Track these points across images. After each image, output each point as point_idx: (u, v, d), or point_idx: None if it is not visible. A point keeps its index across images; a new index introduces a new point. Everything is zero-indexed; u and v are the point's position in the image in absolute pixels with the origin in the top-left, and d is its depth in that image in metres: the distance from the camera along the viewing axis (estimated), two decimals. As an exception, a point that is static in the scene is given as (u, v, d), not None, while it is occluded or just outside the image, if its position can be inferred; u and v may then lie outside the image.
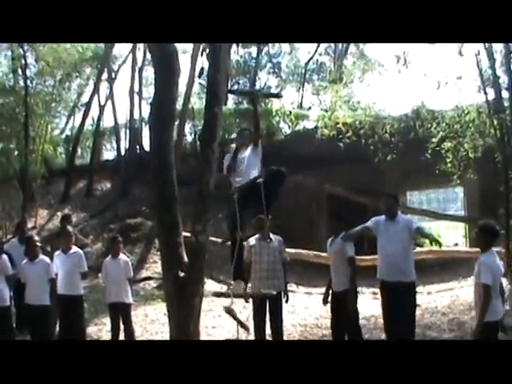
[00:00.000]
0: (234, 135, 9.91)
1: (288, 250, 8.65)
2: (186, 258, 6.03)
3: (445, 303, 10.90)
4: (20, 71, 20.01)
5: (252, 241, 7.64)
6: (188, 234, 6.13)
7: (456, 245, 17.81)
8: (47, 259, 8.22)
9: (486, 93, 12.48)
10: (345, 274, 7.38)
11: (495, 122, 12.03)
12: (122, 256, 8.74)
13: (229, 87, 23.79)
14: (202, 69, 7.44)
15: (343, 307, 7.32)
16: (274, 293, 6.89)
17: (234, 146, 6.58)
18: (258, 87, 28.14)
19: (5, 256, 8.15)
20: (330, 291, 7.71)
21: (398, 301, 6.64)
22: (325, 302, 7.91)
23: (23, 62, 19.35)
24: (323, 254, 14.58)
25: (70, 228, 9.12)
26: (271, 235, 7.74)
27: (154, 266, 15.31)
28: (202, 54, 15.58)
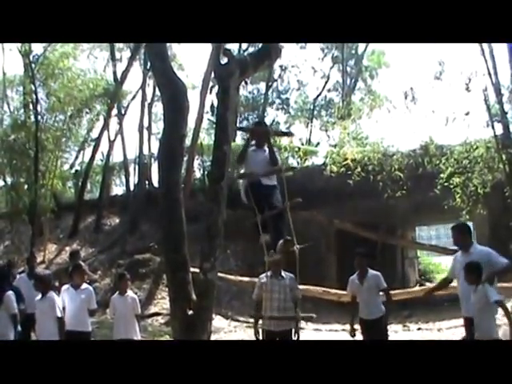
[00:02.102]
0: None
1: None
2: (194, 296, 5.98)
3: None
4: (31, 106, 20.24)
5: (263, 278, 7.54)
6: (197, 270, 6.09)
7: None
8: (54, 296, 8.10)
9: (493, 128, 12.52)
10: (378, 305, 7.95)
11: (504, 157, 12.06)
12: (129, 293, 8.66)
13: (237, 123, 24.01)
14: (213, 106, 7.54)
15: (376, 330, 7.78)
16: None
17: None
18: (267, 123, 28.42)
19: (10, 293, 8.01)
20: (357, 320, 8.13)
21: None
22: (352, 333, 8.08)
23: (34, 97, 19.61)
24: (332, 291, 14.48)
25: (83, 264, 9.11)
26: (283, 272, 7.66)
27: (163, 302, 15.24)
28: (210, 92, 15.82)
